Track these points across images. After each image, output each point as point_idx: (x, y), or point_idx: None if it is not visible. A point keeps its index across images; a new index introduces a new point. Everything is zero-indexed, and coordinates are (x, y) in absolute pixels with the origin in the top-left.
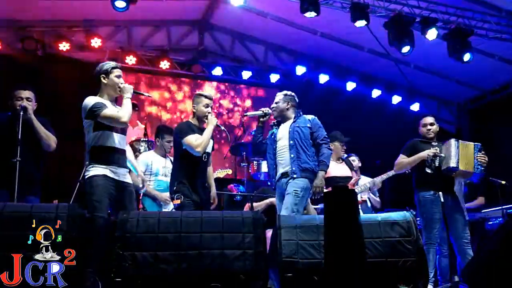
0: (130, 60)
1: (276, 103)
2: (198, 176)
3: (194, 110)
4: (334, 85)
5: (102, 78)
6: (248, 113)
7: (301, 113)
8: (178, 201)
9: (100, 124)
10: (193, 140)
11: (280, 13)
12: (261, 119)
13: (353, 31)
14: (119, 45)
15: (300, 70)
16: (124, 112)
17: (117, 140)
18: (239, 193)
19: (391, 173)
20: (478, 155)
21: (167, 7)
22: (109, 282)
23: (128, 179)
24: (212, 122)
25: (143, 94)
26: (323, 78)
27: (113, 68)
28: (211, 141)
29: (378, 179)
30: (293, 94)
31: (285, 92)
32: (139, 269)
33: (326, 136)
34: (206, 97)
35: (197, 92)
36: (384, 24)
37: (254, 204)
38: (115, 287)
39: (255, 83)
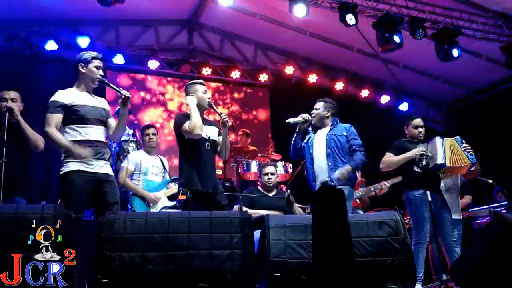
0: (118, 60)
1: (316, 109)
2: (205, 166)
3: None
4: (323, 84)
5: (80, 67)
6: (290, 120)
7: (337, 121)
8: (184, 197)
9: (72, 117)
10: (187, 126)
11: (269, 13)
12: (302, 126)
13: (341, 31)
14: (107, 45)
15: (289, 69)
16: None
17: (91, 132)
18: (228, 193)
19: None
20: (463, 145)
21: (156, 7)
22: (96, 283)
23: (107, 170)
24: (191, 102)
25: (118, 91)
26: (312, 78)
27: (93, 58)
28: (215, 128)
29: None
30: (333, 102)
31: (325, 99)
32: (127, 270)
33: (361, 144)
34: (200, 83)
35: (188, 82)
36: (373, 24)
37: (249, 211)
38: None
39: (245, 82)
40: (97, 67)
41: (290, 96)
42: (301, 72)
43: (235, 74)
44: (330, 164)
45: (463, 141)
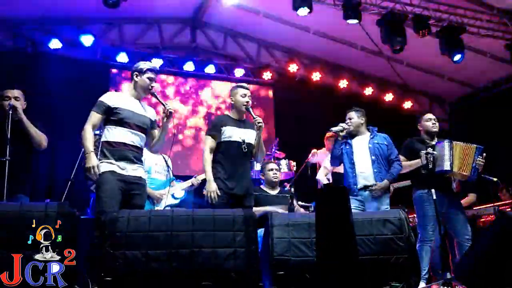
0: (122, 58)
1: (350, 119)
2: (236, 166)
3: (232, 102)
4: (327, 82)
5: (134, 76)
6: (333, 129)
7: (376, 130)
8: (195, 181)
9: (112, 118)
10: (203, 145)
11: (272, 11)
12: (341, 134)
13: (345, 29)
14: (111, 43)
15: (293, 67)
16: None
17: (129, 136)
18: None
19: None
20: (479, 159)
21: (160, 5)
22: (100, 281)
23: (139, 173)
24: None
25: (164, 104)
26: (316, 76)
27: (148, 69)
28: (253, 132)
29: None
30: (363, 110)
31: (355, 108)
32: (130, 268)
33: (398, 154)
34: (241, 87)
35: (236, 84)
36: (377, 21)
37: (253, 208)
38: (105, 286)
39: (248, 80)
40: (150, 79)
41: (294, 94)
42: (305, 70)
43: (239, 72)
44: (375, 170)
45: (483, 154)
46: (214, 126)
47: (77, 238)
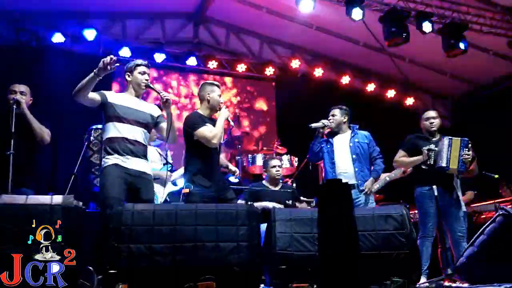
0: (125, 52)
1: (333, 115)
2: (213, 166)
3: (208, 98)
4: (329, 78)
5: (127, 76)
6: (313, 125)
7: (357, 128)
8: (187, 191)
9: (110, 115)
10: (208, 132)
11: (275, 6)
12: (321, 130)
13: (348, 25)
14: (114, 38)
15: (295, 63)
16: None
17: (128, 130)
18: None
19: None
20: (464, 151)
21: (162, 0)
22: (104, 274)
23: (143, 168)
24: (224, 114)
25: (159, 93)
26: (318, 72)
27: (137, 65)
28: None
29: (396, 173)
30: (348, 108)
31: (340, 106)
32: (134, 261)
33: (380, 151)
34: (218, 86)
35: (208, 81)
36: (379, 18)
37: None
38: (110, 279)
39: (250, 76)
40: (142, 73)
41: (296, 90)
42: (307, 66)
43: (241, 68)
44: (357, 169)
45: (469, 146)
46: (202, 121)
47: (82, 231)
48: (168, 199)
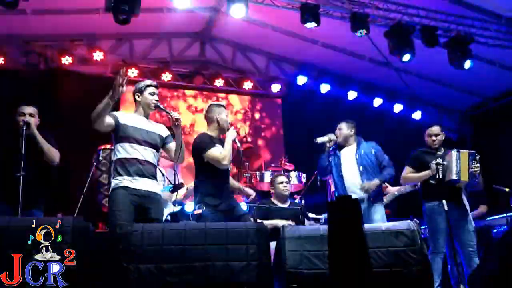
0: (132, 73)
1: (339, 129)
2: (224, 185)
3: (218, 120)
4: (336, 94)
5: (136, 96)
6: (318, 139)
7: (362, 139)
8: (200, 211)
9: (121, 136)
10: (218, 153)
11: (280, 24)
12: (328, 145)
13: (353, 41)
14: (121, 58)
15: (302, 80)
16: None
17: (139, 151)
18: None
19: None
20: (473, 163)
21: (168, 20)
22: None
23: (152, 188)
24: (232, 134)
25: (168, 113)
26: (325, 88)
27: (147, 86)
28: None
29: (406, 187)
30: (354, 122)
31: (346, 120)
32: (144, 281)
33: (389, 159)
34: (224, 107)
35: (215, 102)
36: (384, 33)
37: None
38: None
39: (257, 93)
40: (151, 93)
41: (303, 106)
42: (314, 82)
43: (248, 85)
44: (365, 181)
45: (477, 158)
46: (212, 142)
47: (90, 252)
48: (169, 219)
